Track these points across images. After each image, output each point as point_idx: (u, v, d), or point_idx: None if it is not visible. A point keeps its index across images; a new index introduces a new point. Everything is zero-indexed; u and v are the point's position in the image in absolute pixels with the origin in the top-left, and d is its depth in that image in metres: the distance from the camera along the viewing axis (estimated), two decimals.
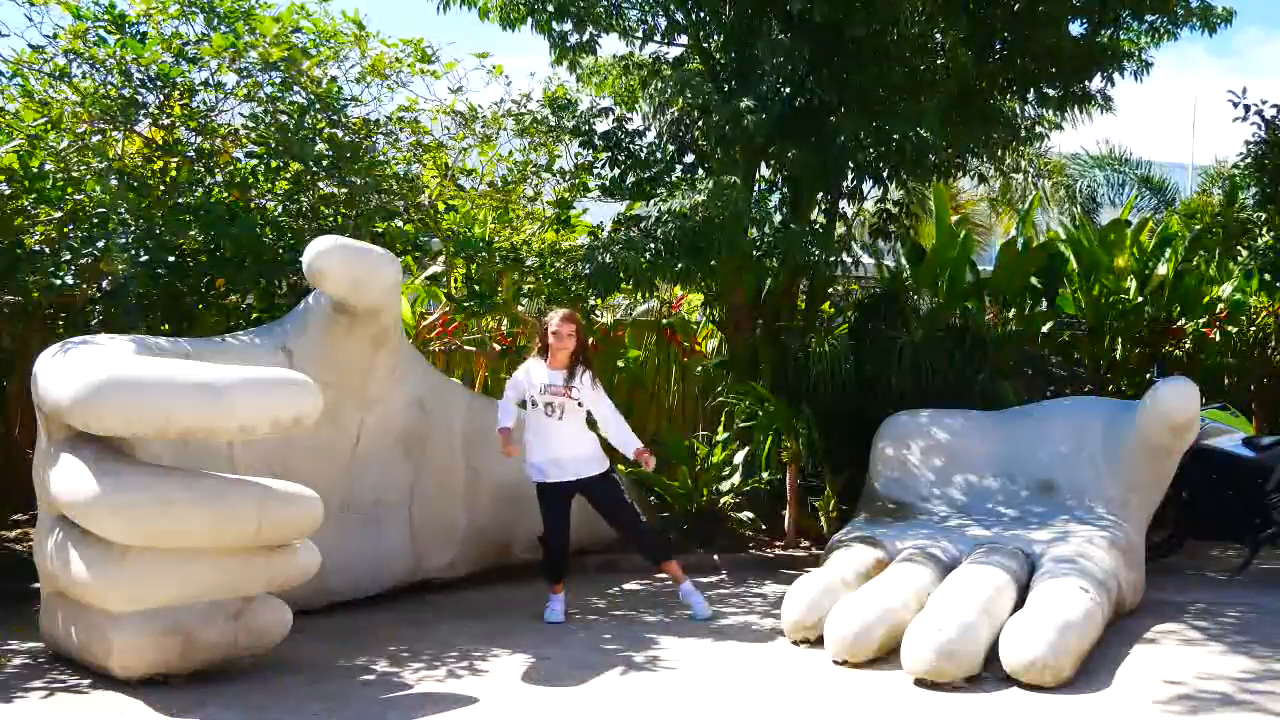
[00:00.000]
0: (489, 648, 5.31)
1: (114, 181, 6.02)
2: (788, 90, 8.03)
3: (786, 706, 4.47)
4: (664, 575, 6.72)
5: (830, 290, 9.25)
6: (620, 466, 8.16)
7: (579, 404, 5.98)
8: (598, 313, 8.89)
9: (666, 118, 7.64)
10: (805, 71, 7.69)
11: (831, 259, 8.00)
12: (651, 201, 7.46)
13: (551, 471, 5.97)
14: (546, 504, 6.01)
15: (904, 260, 9.84)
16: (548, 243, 8.08)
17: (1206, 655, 5.24)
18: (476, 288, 7.38)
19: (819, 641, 5.25)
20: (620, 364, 9.50)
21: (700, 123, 7.66)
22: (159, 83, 6.32)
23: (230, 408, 4.38)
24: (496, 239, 7.70)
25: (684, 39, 8.62)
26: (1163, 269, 10.07)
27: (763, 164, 8.43)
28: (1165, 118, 49.41)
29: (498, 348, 8.45)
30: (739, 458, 8.03)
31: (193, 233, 6.13)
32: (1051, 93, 8.77)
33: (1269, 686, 4.74)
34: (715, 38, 8.41)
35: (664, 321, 9.72)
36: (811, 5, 7.26)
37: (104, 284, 6.18)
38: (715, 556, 7.42)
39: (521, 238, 8.06)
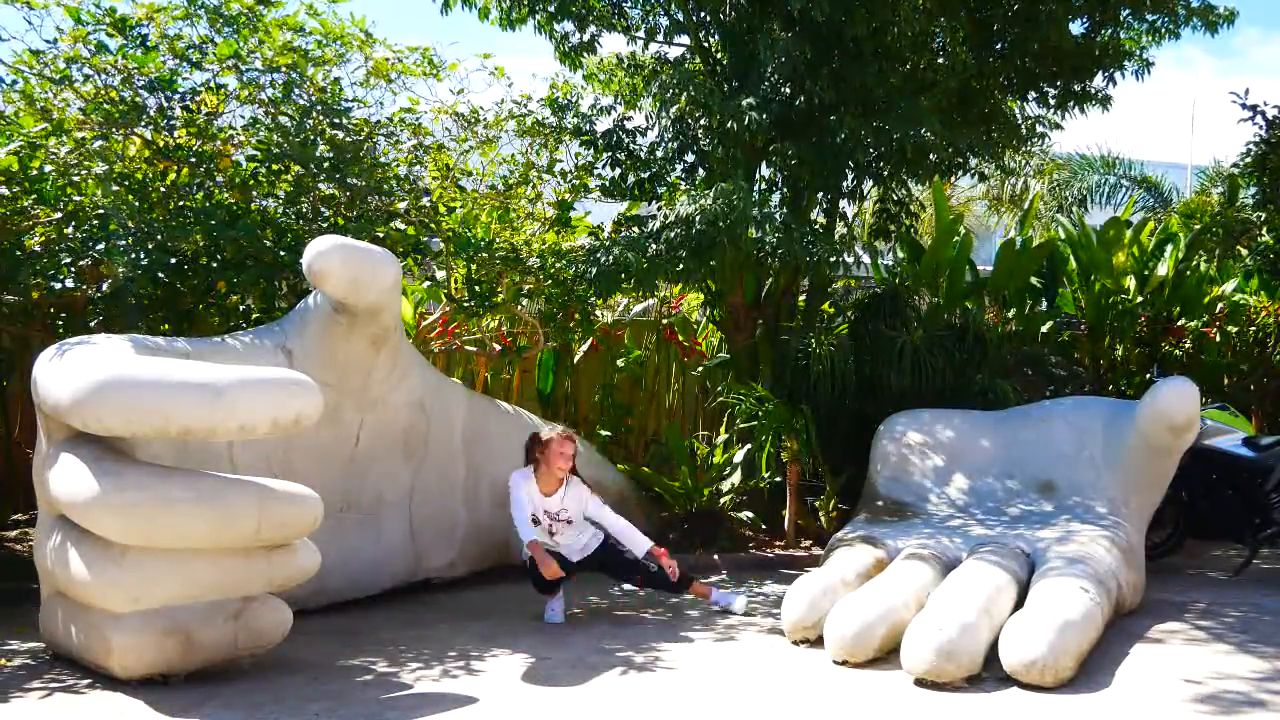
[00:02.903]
0: (489, 648, 5.31)
1: (114, 187, 6.01)
2: (788, 89, 8.03)
3: (786, 706, 4.47)
4: None
5: (830, 290, 9.25)
6: (621, 466, 8.17)
7: (570, 521, 5.99)
8: (598, 313, 8.89)
9: (669, 115, 7.62)
10: (805, 71, 7.70)
11: (832, 259, 8.01)
12: (654, 204, 7.44)
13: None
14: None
15: (903, 259, 9.84)
16: (548, 243, 8.08)
17: (1207, 655, 5.24)
18: (476, 288, 7.38)
19: (819, 641, 5.25)
20: (620, 364, 9.51)
21: (703, 121, 7.65)
22: (160, 84, 6.32)
23: (230, 408, 4.38)
24: (497, 240, 7.70)
25: (684, 38, 8.63)
26: (1163, 269, 10.07)
27: (763, 164, 8.43)
28: (1164, 118, 49.49)
29: (498, 348, 8.46)
30: (739, 458, 8.04)
31: (194, 235, 6.13)
32: (1052, 92, 8.78)
33: (1274, 686, 4.74)
34: (715, 37, 8.41)
35: (664, 321, 9.72)
36: (811, 4, 7.27)
37: (104, 286, 6.18)
38: (715, 556, 7.43)
39: (522, 238, 8.06)
